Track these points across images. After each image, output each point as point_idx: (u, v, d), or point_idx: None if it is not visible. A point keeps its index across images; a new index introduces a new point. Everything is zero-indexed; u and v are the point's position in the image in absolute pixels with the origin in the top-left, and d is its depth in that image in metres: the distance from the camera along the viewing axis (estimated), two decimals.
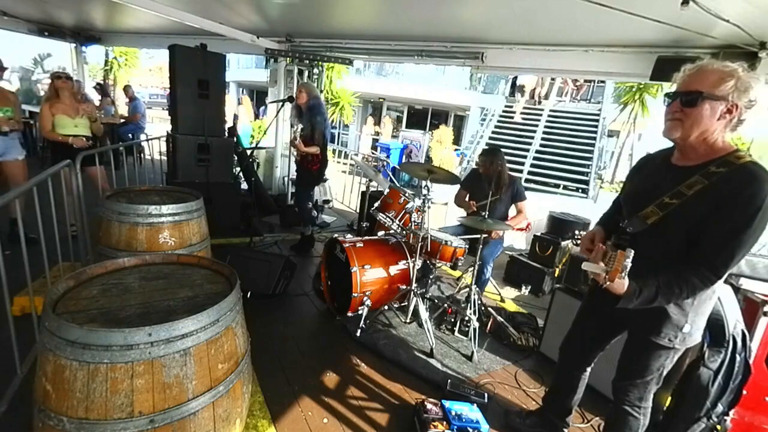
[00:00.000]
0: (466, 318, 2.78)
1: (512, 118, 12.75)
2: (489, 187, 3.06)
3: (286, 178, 5.76)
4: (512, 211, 3.38)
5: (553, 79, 12.60)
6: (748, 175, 1.19)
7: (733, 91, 1.19)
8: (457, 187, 3.43)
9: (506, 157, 3.33)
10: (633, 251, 1.16)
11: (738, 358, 1.78)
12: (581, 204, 8.08)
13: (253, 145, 5.33)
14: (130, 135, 7.40)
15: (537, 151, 10.67)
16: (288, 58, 5.17)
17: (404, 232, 2.92)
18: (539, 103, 13.04)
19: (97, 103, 7.75)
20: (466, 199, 3.38)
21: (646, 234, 1.35)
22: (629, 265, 1.16)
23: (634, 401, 1.56)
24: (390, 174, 8.49)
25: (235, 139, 4.63)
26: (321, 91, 5.71)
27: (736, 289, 1.94)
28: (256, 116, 14.60)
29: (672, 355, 1.46)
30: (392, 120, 17.99)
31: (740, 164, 1.21)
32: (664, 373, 1.50)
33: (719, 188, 1.21)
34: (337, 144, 15.14)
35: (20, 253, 1.85)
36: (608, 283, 1.21)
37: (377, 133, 14.30)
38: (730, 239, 1.20)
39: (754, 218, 1.16)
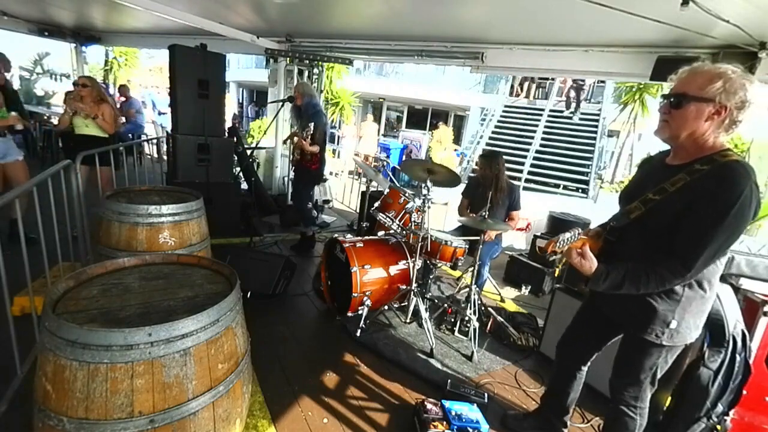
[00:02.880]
0: (466, 318, 2.78)
1: (519, 97, 13.09)
2: (487, 190, 3.07)
3: (286, 178, 5.77)
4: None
5: (552, 79, 12.60)
6: (728, 172, 1.20)
7: (720, 93, 1.20)
8: (457, 187, 3.43)
9: (506, 158, 3.34)
10: (578, 229, 1.34)
11: (738, 358, 1.78)
12: (581, 204, 8.09)
13: (253, 145, 5.33)
14: (129, 135, 7.41)
15: (537, 151, 10.64)
16: (288, 58, 5.18)
17: (404, 232, 2.92)
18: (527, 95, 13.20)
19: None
20: (467, 209, 3.41)
21: (631, 228, 1.40)
22: (565, 237, 1.30)
23: (630, 401, 1.57)
24: (390, 174, 8.50)
25: (235, 139, 4.63)
26: (321, 92, 5.72)
27: (736, 289, 1.94)
28: (241, 114, 14.29)
29: (664, 353, 1.46)
30: (392, 120, 17.78)
31: (723, 162, 1.23)
32: (658, 373, 1.51)
33: (699, 184, 1.24)
34: (337, 144, 15.12)
35: (20, 253, 1.85)
36: (550, 255, 1.34)
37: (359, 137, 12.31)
38: (701, 232, 1.22)
39: (727, 214, 1.17)
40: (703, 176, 1.24)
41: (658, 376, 1.52)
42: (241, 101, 19.95)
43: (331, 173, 6.87)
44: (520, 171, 9.94)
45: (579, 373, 1.83)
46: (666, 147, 1.49)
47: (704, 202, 1.21)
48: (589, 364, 1.81)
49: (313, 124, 3.60)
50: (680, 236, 1.26)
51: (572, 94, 11.48)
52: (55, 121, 3.87)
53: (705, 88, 1.21)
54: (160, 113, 8.86)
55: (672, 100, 1.29)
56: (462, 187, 3.43)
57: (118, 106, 7.56)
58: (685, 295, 1.37)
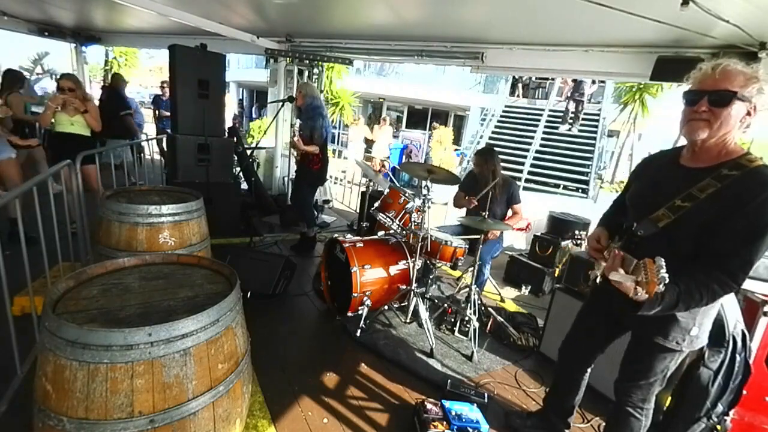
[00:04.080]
0: (466, 318, 2.78)
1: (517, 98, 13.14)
2: (485, 186, 3.08)
3: (286, 178, 5.76)
4: (508, 214, 3.39)
5: (552, 79, 12.59)
6: (762, 180, 1.18)
7: (755, 94, 1.19)
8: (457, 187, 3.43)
9: (506, 157, 3.35)
10: (663, 259, 1.09)
11: (738, 358, 1.78)
12: (581, 204, 8.07)
13: (253, 145, 5.33)
14: None
15: (537, 151, 10.63)
16: (288, 58, 5.18)
17: (404, 232, 2.92)
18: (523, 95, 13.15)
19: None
20: (465, 197, 3.39)
21: (655, 236, 1.33)
22: (666, 276, 1.06)
23: (637, 402, 1.55)
24: (390, 174, 8.49)
25: (235, 139, 4.64)
26: (321, 91, 5.71)
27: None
28: (242, 114, 14.03)
29: (677, 357, 1.45)
30: (392, 120, 17.70)
31: (753, 168, 1.20)
32: (668, 374, 1.50)
33: (732, 192, 1.20)
34: (337, 144, 15.11)
35: (20, 253, 1.85)
36: (641, 295, 1.12)
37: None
38: (746, 245, 1.19)
39: None
40: (734, 183, 1.20)
41: (667, 377, 1.51)
42: (242, 101, 19.91)
43: (330, 177, 6.71)
44: (520, 171, 9.91)
45: (582, 374, 1.82)
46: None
47: (746, 214, 1.17)
48: (593, 365, 1.80)
49: (309, 125, 3.58)
50: (726, 250, 1.21)
51: (571, 106, 10.95)
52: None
53: (746, 88, 1.18)
54: (164, 119, 7.43)
55: (713, 97, 1.21)
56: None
57: None
58: None
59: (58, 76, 3.66)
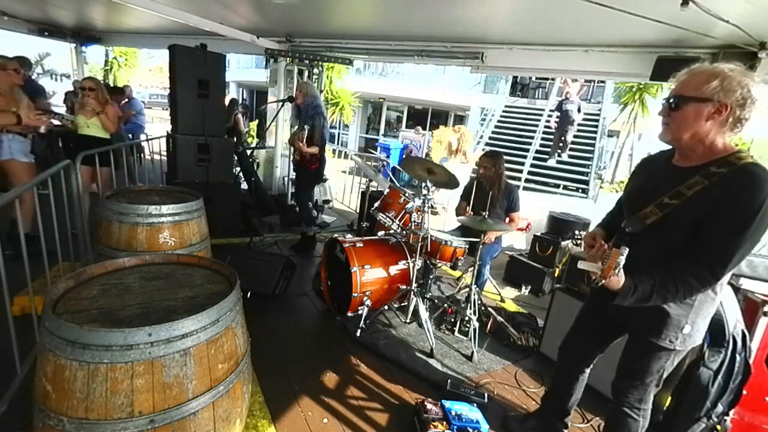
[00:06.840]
0: (466, 318, 2.78)
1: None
2: (488, 190, 3.07)
3: (286, 178, 5.77)
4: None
5: (553, 79, 12.58)
6: (748, 176, 1.18)
7: (718, 91, 1.19)
8: (458, 189, 3.42)
9: (506, 157, 3.34)
10: (627, 249, 1.17)
11: (738, 358, 1.78)
12: (581, 204, 8.06)
13: (253, 145, 5.34)
14: (129, 135, 7.42)
15: (537, 151, 10.63)
16: (288, 58, 5.18)
17: (404, 232, 2.92)
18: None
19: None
20: (467, 209, 3.38)
21: (645, 234, 1.35)
22: (622, 262, 1.17)
23: (634, 403, 1.55)
24: (390, 174, 8.48)
25: (235, 139, 4.64)
26: (321, 91, 5.72)
27: (736, 289, 1.94)
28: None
29: (672, 356, 1.45)
30: (392, 120, 17.66)
31: (740, 165, 1.21)
32: (665, 375, 1.50)
33: (718, 188, 1.21)
34: (337, 144, 15.13)
35: (20, 253, 1.85)
36: (602, 281, 1.22)
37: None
38: (728, 240, 1.20)
39: (753, 219, 1.16)
40: (721, 180, 1.21)
41: (664, 377, 1.51)
42: (245, 102, 19.87)
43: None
44: (520, 171, 9.92)
45: (581, 374, 1.82)
46: (664, 146, 1.48)
47: (728, 209, 1.19)
48: (592, 366, 1.80)
49: (309, 125, 3.60)
50: (706, 243, 1.23)
51: (558, 135, 10.15)
52: (56, 121, 3.84)
53: (701, 88, 1.21)
54: None
55: (671, 102, 1.29)
56: (461, 189, 3.42)
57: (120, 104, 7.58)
58: (698, 300, 1.35)
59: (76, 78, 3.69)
